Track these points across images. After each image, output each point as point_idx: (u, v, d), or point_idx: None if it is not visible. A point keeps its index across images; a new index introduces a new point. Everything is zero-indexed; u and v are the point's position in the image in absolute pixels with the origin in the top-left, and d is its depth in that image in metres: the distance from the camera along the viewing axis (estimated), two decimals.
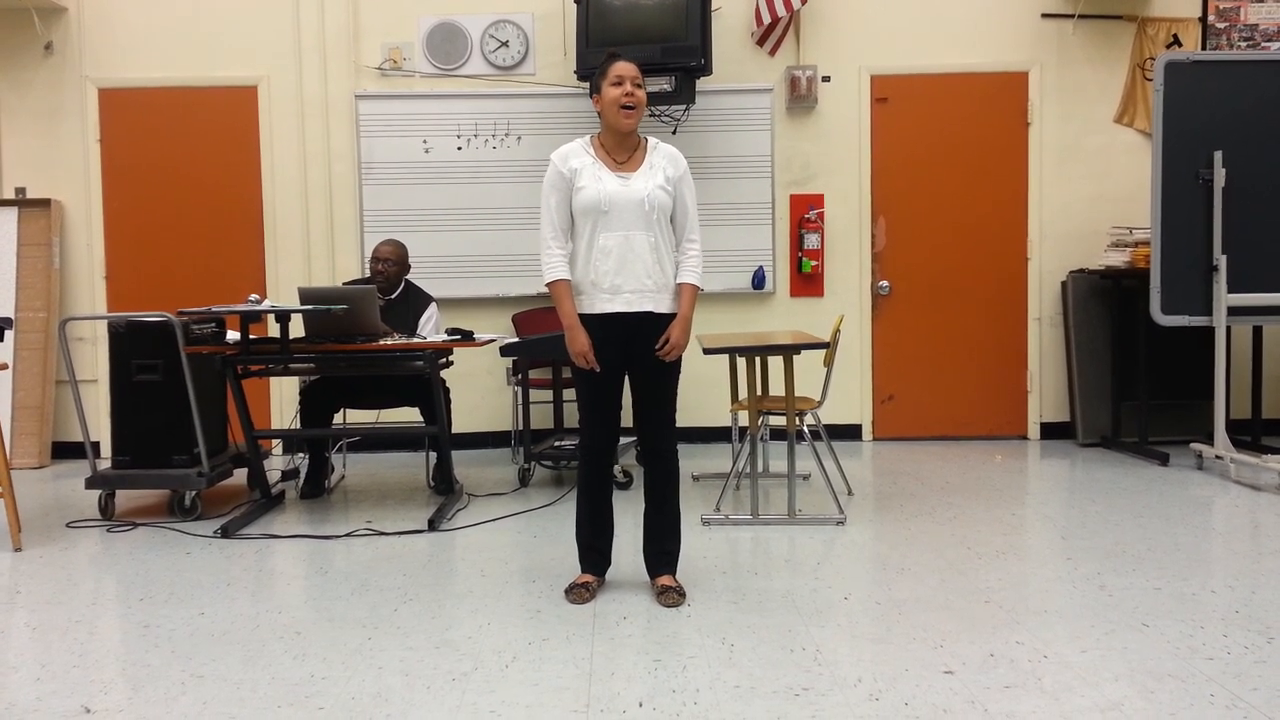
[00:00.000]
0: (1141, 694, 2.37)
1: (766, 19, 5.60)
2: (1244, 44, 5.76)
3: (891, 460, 5.33)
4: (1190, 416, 5.46)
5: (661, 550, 3.19)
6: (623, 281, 3.00)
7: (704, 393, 5.70)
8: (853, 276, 5.85)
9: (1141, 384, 5.33)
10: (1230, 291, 4.74)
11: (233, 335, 4.43)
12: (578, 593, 3.12)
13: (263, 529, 4.10)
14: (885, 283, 5.85)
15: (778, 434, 4.92)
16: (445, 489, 4.55)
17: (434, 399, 4.27)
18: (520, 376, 4.95)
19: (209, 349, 4.19)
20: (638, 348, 3.06)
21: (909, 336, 5.89)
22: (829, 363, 4.30)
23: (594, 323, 3.03)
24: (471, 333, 4.30)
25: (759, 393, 4.52)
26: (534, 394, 5.12)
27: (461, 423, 5.41)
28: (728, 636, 2.78)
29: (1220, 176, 4.75)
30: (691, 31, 5.18)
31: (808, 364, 4.94)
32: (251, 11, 5.71)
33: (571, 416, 5.45)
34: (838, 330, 4.35)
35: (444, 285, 5.56)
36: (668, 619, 2.94)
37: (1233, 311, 4.77)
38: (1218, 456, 4.78)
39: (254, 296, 4.19)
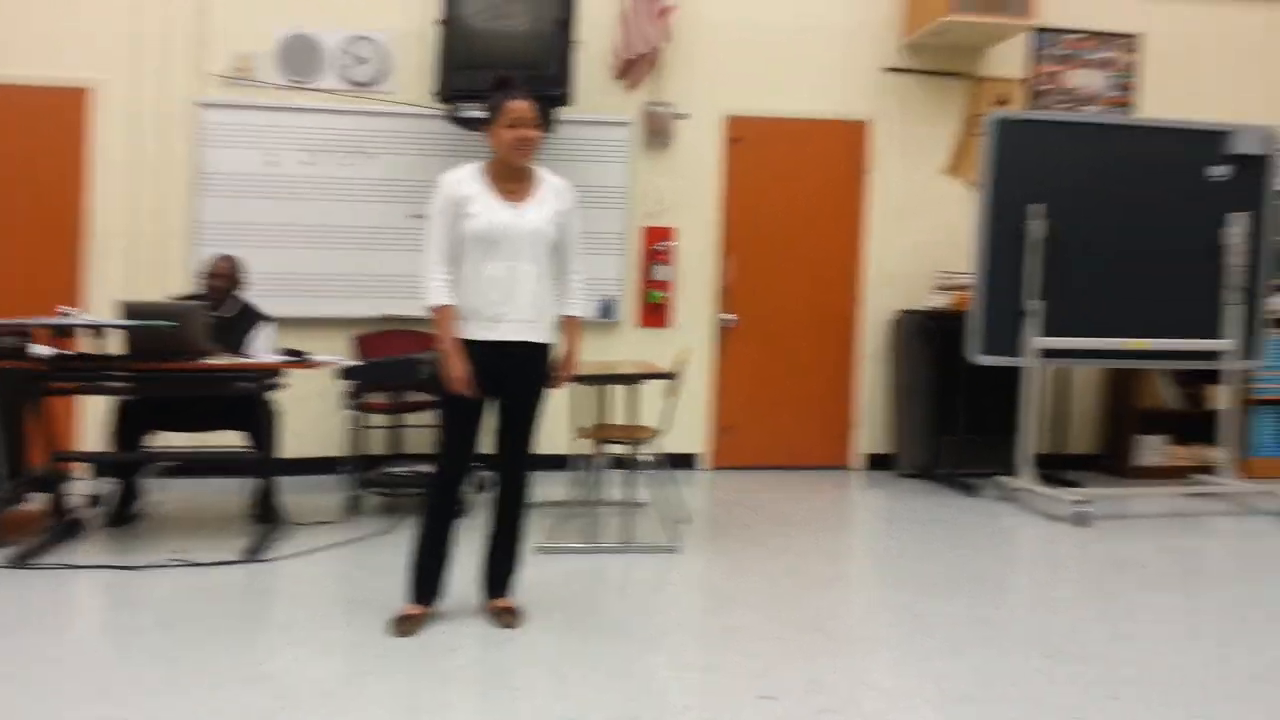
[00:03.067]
0: (947, 718, 2.49)
1: (627, 54, 5.69)
2: (1063, 106, 6.23)
3: (727, 489, 5.44)
4: (1002, 450, 5.79)
5: (502, 572, 3.22)
6: (506, 311, 3.02)
7: (546, 420, 5.66)
8: (700, 309, 5.97)
9: (959, 419, 5.64)
10: (1040, 335, 5.09)
11: (42, 349, 4.12)
12: (404, 624, 3.04)
13: (63, 558, 3.81)
14: (731, 316, 6.01)
15: (618, 463, 4.96)
16: (267, 517, 4.36)
17: (260, 422, 4.10)
18: (357, 400, 4.81)
19: (10, 364, 3.88)
20: (511, 377, 3.08)
21: (750, 369, 6.06)
22: (673, 393, 4.37)
23: (471, 350, 3.02)
24: (305, 354, 4.15)
25: (601, 421, 4.54)
26: (369, 418, 4.98)
27: (290, 447, 5.19)
28: (558, 666, 2.77)
29: (1037, 228, 5.11)
30: (554, 62, 5.20)
31: (651, 393, 5.01)
32: (89, 11, 5.38)
33: (410, 442, 5.34)
34: (682, 361, 4.43)
35: (283, 304, 5.34)
36: (497, 650, 2.90)
37: (1042, 354, 5.13)
38: (1022, 489, 5.10)
39: (64, 308, 3.93)
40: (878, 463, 6.11)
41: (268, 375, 4.10)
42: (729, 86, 5.93)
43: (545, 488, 5.28)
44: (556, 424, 5.62)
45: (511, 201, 3.04)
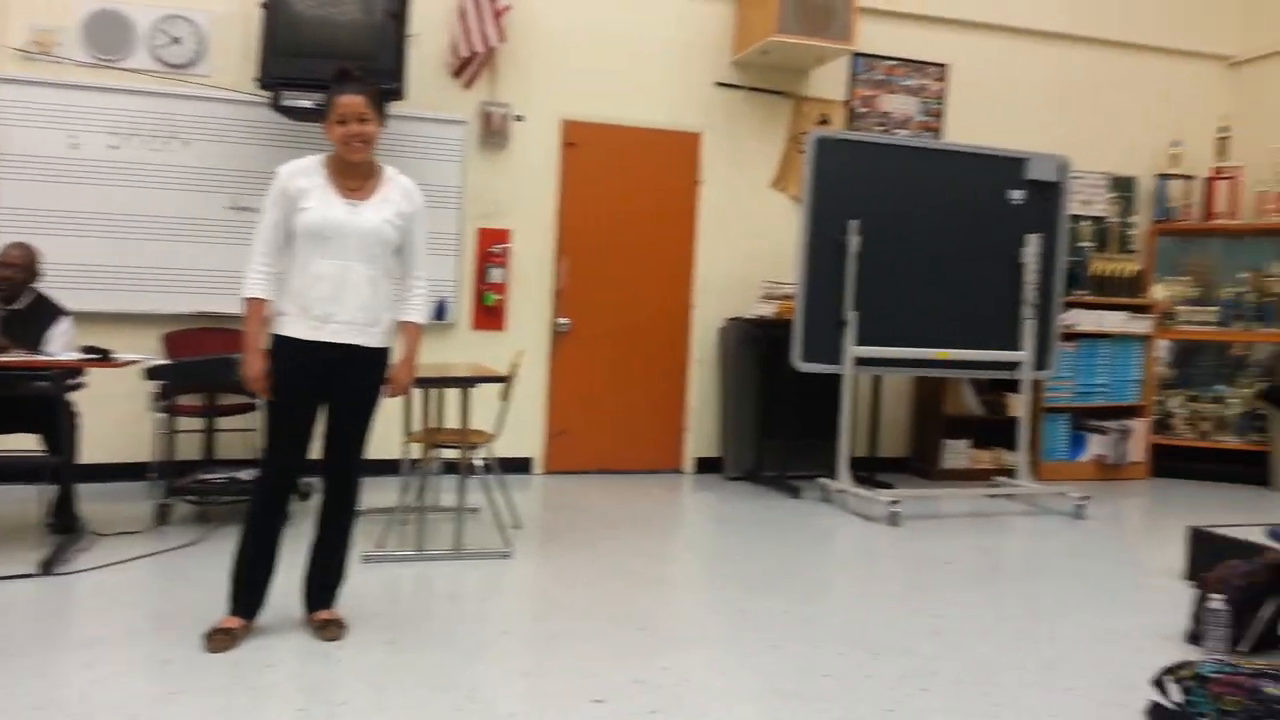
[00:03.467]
0: (768, 713, 2.58)
1: (463, 52, 5.62)
2: (878, 128, 6.58)
3: (560, 494, 5.45)
4: (823, 453, 6.06)
5: (325, 584, 3.11)
6: (335, 311, 2.91)
7: (376, 423, 5.52)
8: (535, 312, 5.96)
9: (783, 424, 5.87)
10: (857, 344, 5.36)
11: None
12: (219, 639, 2.89)
13: None
14: (565, 320, 6.02)
15: (450, 468, 4.89)
16: (66, 527, 4.04)
17: (58, 425, 3.79)
18: (166, 402, 4.53)
19: None
20: (339, 380, 2.97)
21: (584, 373, 6.09)
22: (505, 396, 4.33)
23: (297, 349, 2.90)
24: (109, 351, 3.87)
25: (433, 425, 4.46)
26: (180, 422, 4.71)
27: (92, 452, 4.83)
28: (380, 679, 2.70)
29: (854, 243, 5.38)
30: (386, 54, 5.06)
31: (484, 397, 4.95)
32: None
33: (225, 446, 5.07)
34: (516, 365, 4.41)
35: (84, 298, 4.98)
36: (317, 664, 2.80)
37: (858, 362, 5.40)
38: (840, 490, 5.36)
39: None
40: (707, 466, 6.26)
41: (66, 374, 3.80)
42: (565, 91, 5.95)
43: (374, 493, 5.13)
44: (388, 427, 5.48)
45: (351, 199, 2.93)
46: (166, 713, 2.43)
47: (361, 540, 4.17)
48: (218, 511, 4.60)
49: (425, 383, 4.14)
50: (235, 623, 2.95)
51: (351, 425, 3.04)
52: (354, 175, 2.96)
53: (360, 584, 3.57)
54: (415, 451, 4.43)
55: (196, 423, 4.96)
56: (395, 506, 4.50)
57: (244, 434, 5.04)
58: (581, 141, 6.00)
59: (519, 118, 5.86)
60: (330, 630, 3.01)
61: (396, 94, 5.17)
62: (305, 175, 2.92)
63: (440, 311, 5.71)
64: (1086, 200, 7.00)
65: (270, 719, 2.42)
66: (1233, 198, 6.93)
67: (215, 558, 3.81)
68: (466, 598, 3.48)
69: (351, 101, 2.89)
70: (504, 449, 5.55)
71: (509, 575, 3.79)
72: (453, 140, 5.72)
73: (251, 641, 2.95)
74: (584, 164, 6.03)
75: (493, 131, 5.77)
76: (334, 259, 2.90)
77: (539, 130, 5.92)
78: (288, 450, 2.96)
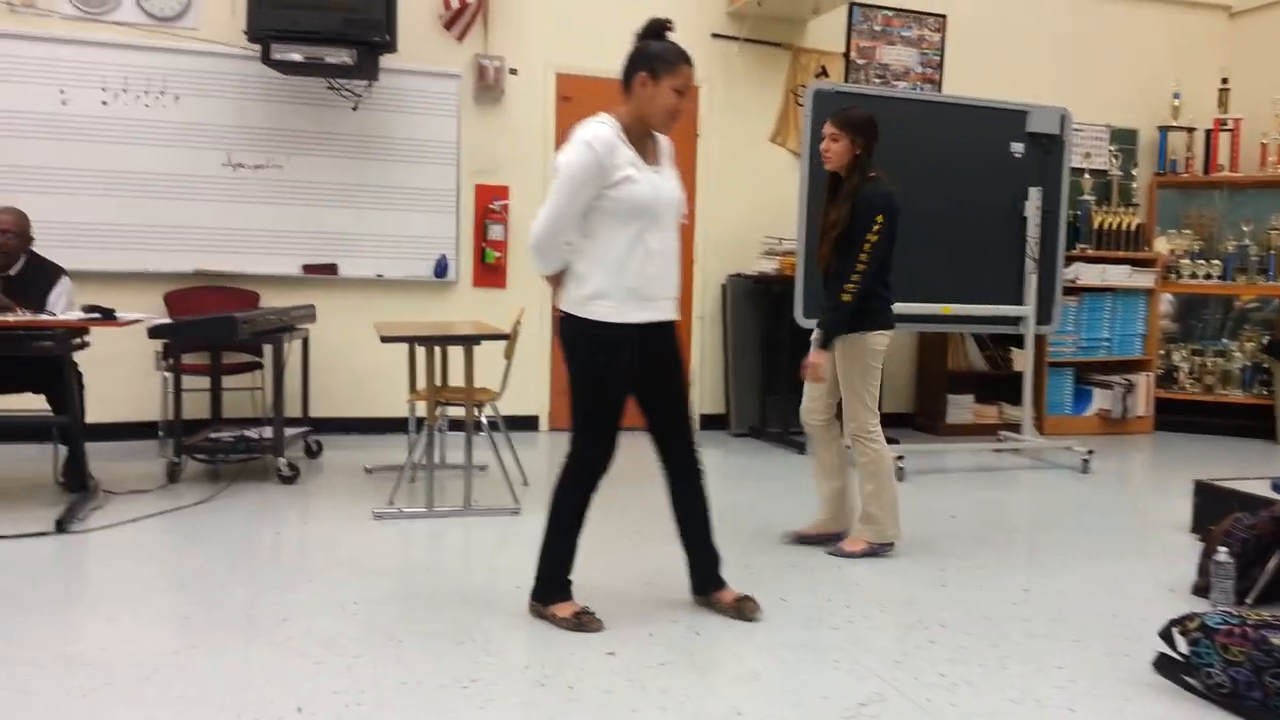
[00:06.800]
0: (779, 663, 2.61)
1: (455, 3, 5.53)
2: (877, 80, 6.52)
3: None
4: None
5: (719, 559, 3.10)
6: (664, 289, 2.81)
7: (381, 382, 5.52)
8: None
9: (786, 380, 5.87)
10: None
11: None
12: (592, 618, 2.85)
13: None
14: None
15: (456, 425, 4.89)
16: (77, 486, 4.04)
17: (63, 385, 3.78)
18: (171, 361, 4.51)
19: None
20: (657, 355, 2.88)
21: None
22: (509, 354, 4.32)
23: (632, 333, 2.78)
24: (112, 311, 3.85)
25: (438, 383, 4.45)
26: (186, 380, 4.69)
27: (99, 412, 4.82)
28: (395, 633, 2.72)
29: None
30: (376, 5, 4.99)
31: (488, 354, 4.94)
32: None
33: (231, 406, 5.06)
34: (519, 322, 4.39)
35: (79, 256, 4.94)
36: (330, 618, 2.81)
37: None
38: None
39: None
40: (712, 422, 6.28)
41: (70, 334, 3.78)
42: (559, 43, 5.87)
43: (382, 451, 5.15)
44: (393, 386, 5.48)
45: (652, 165, 2.78)
46: (186, 665, 2.45)
47: (372, 498, 4.19)
48: (229, 469, 4.61)
49: (428, 340, 4.13)
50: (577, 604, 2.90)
51: (683, 394, 2.99)
52: (646, 140, 2.78)
53: (373, 540, 3.59)
54: (420, 409, 4.43)
55: (203, 381, 4.95)
56: (403, 464, 4.50)
57: (250, 393, 5.03)
58: (577, 95, 5.93)
59: (513, 71, 5.79)
60: (750, 605, 2.98)
61: (389, 46, 5.09)
62: (617, 146, 2.70)
63: (441, 269, 5.68)
64: (1088, 153, 6.96)
65: (287, 671, 2.44)
66: (1234, 150, 6.90)
67: (226, 515, 3.83)
68: (478, 554, 3.50)
69: (692, 75, 2.75)
70: (510, 407, 5.55)
71: (518, 531, 3.81)
72: (447, 94, 5.65)
73: (264, 595, 2.96)
74: (580, 118, 5.92)
75: (487, 85, 5.69)
76: (663, 233, 2.75)
77: (533, 84, 5.85)
78: (614, 435, 2.88)
